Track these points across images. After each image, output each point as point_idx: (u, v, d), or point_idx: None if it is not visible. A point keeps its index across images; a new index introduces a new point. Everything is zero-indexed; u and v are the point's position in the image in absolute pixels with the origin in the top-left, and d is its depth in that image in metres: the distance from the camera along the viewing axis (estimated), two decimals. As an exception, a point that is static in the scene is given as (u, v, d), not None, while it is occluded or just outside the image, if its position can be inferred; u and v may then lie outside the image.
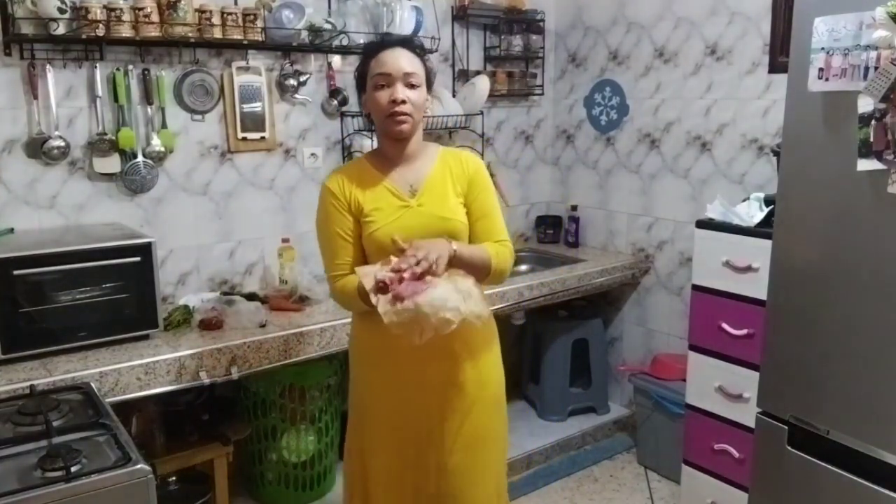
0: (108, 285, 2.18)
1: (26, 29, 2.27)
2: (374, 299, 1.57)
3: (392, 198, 1.81)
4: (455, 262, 1.68)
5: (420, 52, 1.84)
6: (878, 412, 1.70)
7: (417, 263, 1.57)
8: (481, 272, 1.78)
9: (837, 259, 1.76)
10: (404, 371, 1.84)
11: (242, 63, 2.71)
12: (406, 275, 1.54)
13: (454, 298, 1.55)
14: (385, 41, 1.85)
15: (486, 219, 1.87)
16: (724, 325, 2.52)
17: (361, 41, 2.87)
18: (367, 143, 2.98)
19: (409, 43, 1.85)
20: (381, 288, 1.55)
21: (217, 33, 2.52)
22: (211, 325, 2.37)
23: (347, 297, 1.79)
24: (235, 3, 2.64)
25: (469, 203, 1.86)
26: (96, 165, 2.46)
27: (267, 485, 2.75)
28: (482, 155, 3.32)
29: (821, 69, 1.69)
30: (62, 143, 2.38)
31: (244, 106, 2.74)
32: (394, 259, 1.61)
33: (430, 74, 1.83)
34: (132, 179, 2.52)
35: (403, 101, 1.73)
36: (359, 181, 1.82)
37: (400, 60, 1.74)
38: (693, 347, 2.68)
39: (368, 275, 1.61)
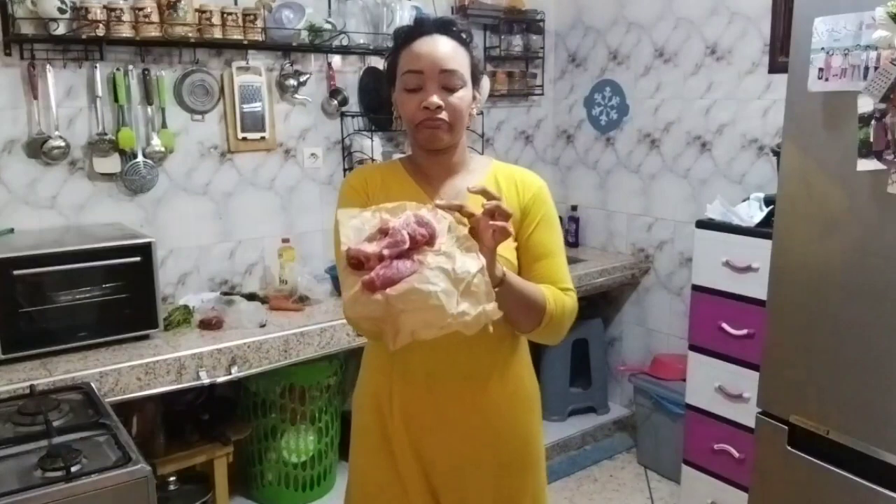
0: (108, 285, 2.18)
1: (26, 29, 2.27)
2: (341, 276, 1.14)
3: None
4: (499, 294, 1.18)
5: (465, 39, 1.40)
6: (878, 412, 1.70)
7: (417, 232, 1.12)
8: (532, 316, 1.33)
9: (837, 259, 1.76)
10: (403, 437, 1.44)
11: (242, 63, 2.71)
12: (386, 251, 1.08)
13: (443, 289, 1.06)
14: (419, 25, 1.40)
15: (546, 260, 1.40)
16: (724, 325, 2.52)
17: (361, 41, 2.87)
18: (367, 144, 2.98)
19: (449, 27, 1.38)
20: (355, 264, 1.11)
21: (217, 33, 2.52)
22: (211, 325, 2.37)
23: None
24: (235, 3, 2.64)
25: (523, 238, 1.40)
26: (96, 165, 2.46)
27: (267, 485, 2.74)
28: (482, 154, 3.31)
29: (821, 69, 1.69)
30: (62, 143, 2.38)
31: (244, 106, 2.73)
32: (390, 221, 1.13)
33: (477, 68, 1.41)
34: (132, 179, 2.52)
35: (439, 108, 1.33)
36: (388, 184, 1.44)
37: (436, 53, 1.33)
38: (693, 347, 2.68)
39: (348, 234, 1.13)
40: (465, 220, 1.18)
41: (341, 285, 1.14)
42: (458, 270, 1.08)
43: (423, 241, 1.09)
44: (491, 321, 1.10)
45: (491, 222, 1.16)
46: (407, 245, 1.08)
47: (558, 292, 1.37)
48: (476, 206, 1.22)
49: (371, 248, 1.09)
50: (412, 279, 1.06)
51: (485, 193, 1.19)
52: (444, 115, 1.34)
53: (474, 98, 1.41)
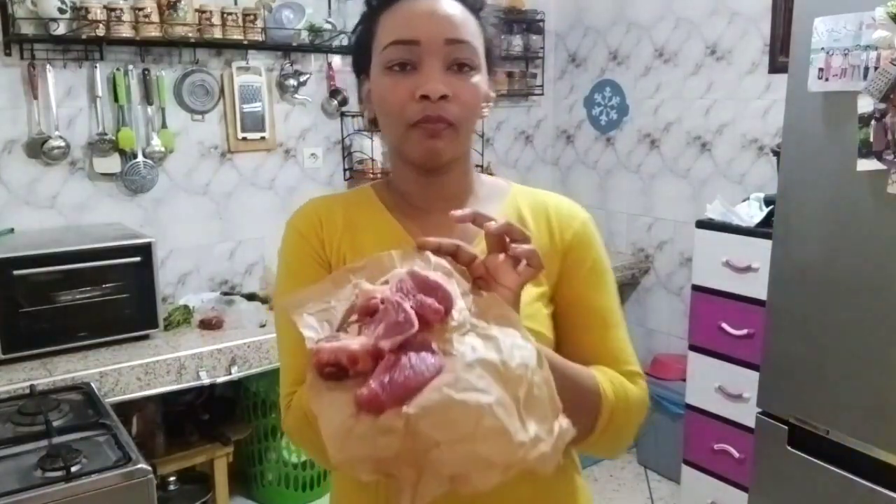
0: (108, 285, 2.18)
1: (26, 29, 2.27)
2: (312, 400, 0.65)
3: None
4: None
5: (476, 3, 0.93)
6: (878, 412, 1.70)
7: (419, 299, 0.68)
8: (580, 417, 0.77)
9: (837, 259, 1.76)
10: None
11: (242, 63, 2.71)
12: (384, 342, 0.64)
13: (498, 398, 0.62)
14: None
15: (598, 332, 0.95)
16: (724, 325, 2.52)
17: (361, 41, 2.87)
18: (367, 144, 2.98)
19: None
20: (331, 373, 0.65)
21: (217, 33, 2.52)
22: (211, 325, 2.37)
23: (310, 434, 0.81)
24: (235, 3, 2.64)
25: (562, 298, 0.95)
26: (96, 165, 2.46)
27: (267, 485, 2.74)
28: (482, 155, 3.32)
29: (821, 69, 1.69)
30: (62, 143, 2.38)
31: (244, 106, 2.73)
32: (368, 291, 0.70)
33: (493, 45, 0.94)
34: (132, 179, 2.52)
35: (444, 97, 0.85)
36: (353, 224, 0.96)
37: (438, 12, 0.87)
38: (693, 347, 2.68)
39: (308, 327, 0.69)
40: (464, 270, 0.76)
41: (313, 409, 0.65)
42: (511, 362, 0.64)
43: (437, 318, 0.67)
44: (557, 454, 0.64)
45: (511, 251, 0.76)
46: (415, 328, 0.65)
47: (619, 377, 0.92)
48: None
49: (357, 341, 0.65)
50: (441, 383, 0.62)
51: (499, 229, 0.76)
52: (449, 109, 0.86)
53: (490, 94, 0.94)
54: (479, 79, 0.90)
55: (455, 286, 0.71)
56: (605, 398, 0.87)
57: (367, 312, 0.68)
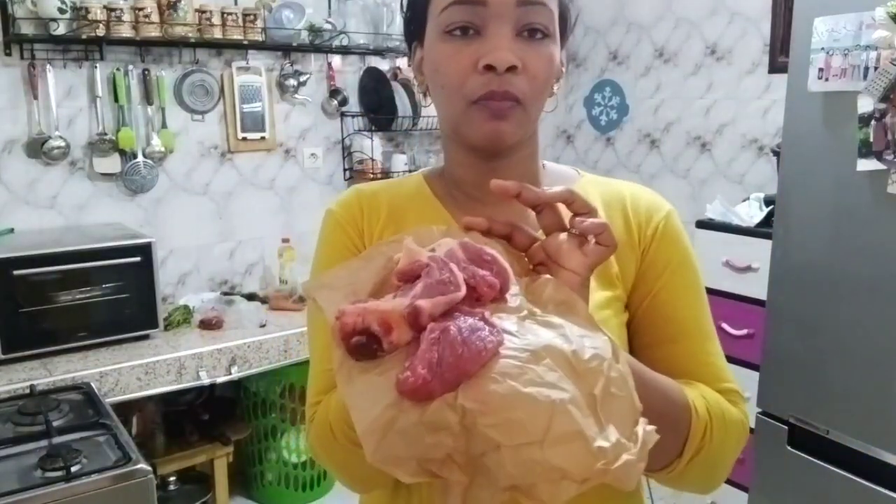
0: (108, 285, 2.18)
1: (26, 29, 2.27)
2: (342, 387, 0.52)
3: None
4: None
5: None
6: (878, 412, 1.70)
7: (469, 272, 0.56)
8: (670, 431, 0.67)
9: (837, 259, 1.76)
10: None
11: (242, 63, 2.71)
12: (425, 303, 0.51)
13: (572, 396, 0.49)
14: None
15: (687, 342, 0.82)
16: (724, 325, 2.52)
17: (361, 41, 2.87)
18: (367, 144, 2.98)
19: None
20: (359, 343, 0.52)
21: (217, 33, 2.52)
22: (211, 325, 2.37)
23: (336, 450, 0.74)
24: (235, 3, 2.64)
25: (641, 303, 0.82)
26: (96, 165, 2.46)
27: (267, 485, 2.74)
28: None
29: (821, 69, 1.69)
30: (62, 143, 2.38)
31: (244, 106, 2.73)
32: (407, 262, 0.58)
33: (567, 9, 0.84)
34: (132, 179, 2.52)
35: (512, 68, 0.72)
36: (401, 214, 0.84)
37: None
38: (693, 347, 2.67)
39: (327, 300, 0.57)
40: (521, 256, 0.65)
41: (344, 397, 0.52)
42: (583, 354, 0.52)
43: (491, 294, 0.55)
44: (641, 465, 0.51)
45: (575, 227, 0.63)
46: (462, 292, 0.53)
47: (715, 394, 0.79)
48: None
49: (389, 302, 0.53)
50: (504, 371, 0.49)
51: (560, 198, 0.64)
52: (518, 84, 0.73)
53: (562, 64, 0.80)
54: (554, 48, 0.77)
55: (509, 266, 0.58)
56: (696, 415, 0.71)
57: (410, 278, 0.53)
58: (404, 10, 0.83)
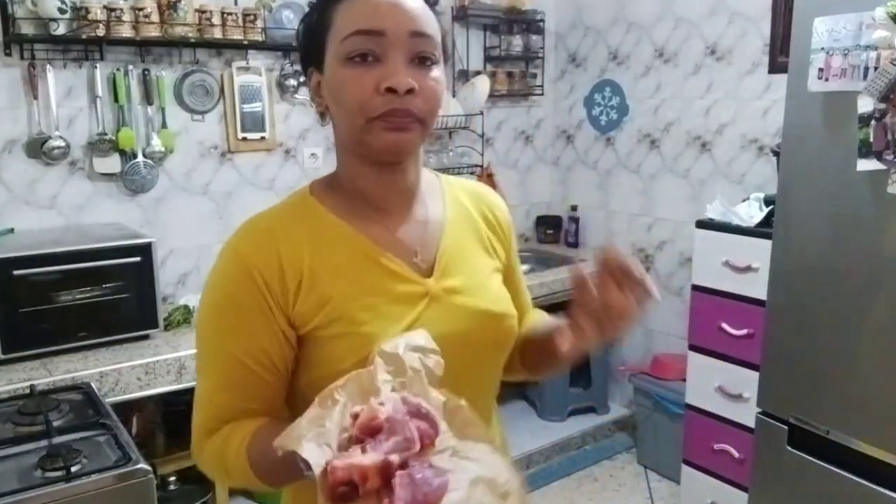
0: (108, 285, 2.18)
1: (26, 29, 2.27)
2: None
3: (388, 280, 0.90)
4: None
5: None
6: (878, 412, 1.70)
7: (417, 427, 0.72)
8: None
9: (837, 259, 1.76)
10: None
11: (242, 63, 2.71)
12: (394, 456, 0.69)
13: None
14: None
15: (524, 292, 1.12)
16: (724, 325, 2.52)
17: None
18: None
19: None
20: (343, 492, 0.67)
21: (217, 33, 2.52)
22: (211, 325, 2.37)
23: (234, 470, 0.87)
24: (235, 3, 2.64)
25: (506, 272, 1.05)
26: (96, 165, 2.46)
27: (267, 485, 2.74)
28: (482, 156, 3.32)
29: (821, 69, 1.70)
30: (62, 143, 2.38)
31: (244, 106, 2.73)
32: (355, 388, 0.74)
33: (446, 38, 0.93)
34: (132, 179, 2.52)
35: (410, 90, 0.84)
36: (311, 244, 0.89)
37: (400, 5, 0.86)
38: (693, 347, 2.68)
39: (312, 454, 0.68)
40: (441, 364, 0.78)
41: None
42: (500, 480, 0.72)
43: (429, 443, 0.71)
44: None
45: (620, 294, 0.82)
46: (418, 447, 0.69)
47: (546, 315, 1.11)
48: (460, 248, 0.95)
49: (367, 458, 0.67)
50: (456, 501, 0.68)
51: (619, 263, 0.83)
52: (415, 104, 0.84)
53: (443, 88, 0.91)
54: (440, 72, 0.88)
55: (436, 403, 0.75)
56: None
57: (371, 432, 0.69)
58: (300, 38, 0.93)
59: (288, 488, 0.97)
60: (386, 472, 0.67)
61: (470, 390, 0.80)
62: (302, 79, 2.83)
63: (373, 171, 0.91)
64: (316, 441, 0.69)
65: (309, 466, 0.67)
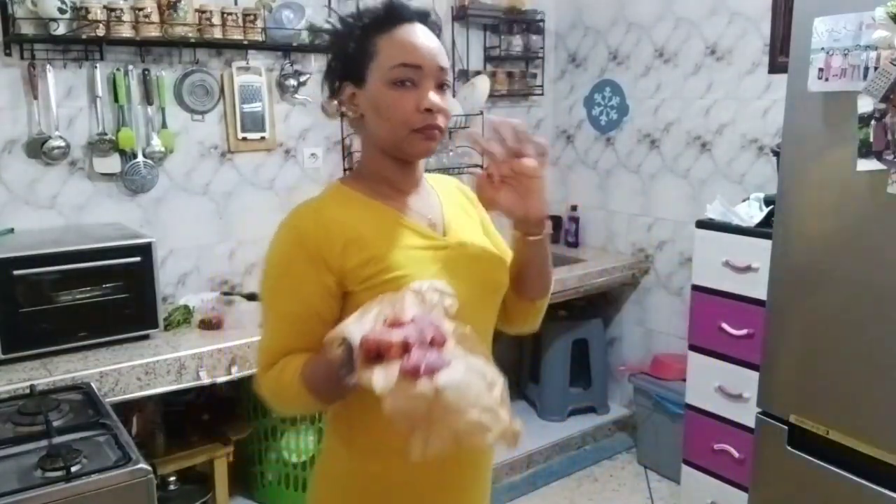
0: (108, 285, 2.18)
1: (26, 29, 2.27)
2: (362, 375, 0.92)
3: (415, 237, 1.17)
4: (540, 242, 1.19)
5: (440, 34, 1.20)
6: (878, 412, 1.70)
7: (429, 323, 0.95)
8: (549, 278, 1.28)
9: (837, 259, 1.76)
10: None
11: (242, 63, 2.71)
12: (412, 339, 0.91)
13: (485, 394, 0.94)
14: (399, 9, 1.16)
15: (502, 241, 1.34)
16: (724, 325, 2.52)
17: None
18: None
19: (428, 18, 1.19)
20: (372, 356, 0.92)
21: (217, 33, 2.52)
22: (211, 325, 2.37)
23: (288, 390, 1.10)
24: (235, 3, 2.64)
25: (485, 229, 1.33)
26: (96, 165, 2.46)
27: (267, 485, 2.74)
28: (482, 156, 3.31)
29: (821, 69, 1.70)
30: (62, 143, 2.38)
31: (244, 106, 2.73)
32: (389, 308, 0.97)
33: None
34: (132, 179, 2.52)
35: (440, 110, 1.13)
36: (353, 218, 1.15)
37: (431, 45, 1.14)
38: (693, 347, 2.68)
39: (353, 332, 0.94)
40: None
41: (362, 379, 0.92)
42: (490, 375, 0.95)
43: (440, 343, 0.93)
44: (519, 435, 0.96)
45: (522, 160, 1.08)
46: (428, 340, 0.91)
47: None
48: (457, 216, 1.25)
49: (393, 334, 0.91)
50: (458, 371, 0.90)
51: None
52: (440, 119, 1.13)
53: None
54: (450, 94, 1.20)
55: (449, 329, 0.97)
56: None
57: (396, 325, 0.93)
58: (337, 57, 1.18)
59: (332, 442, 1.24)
60: (405, 349, 0.89)
61: (476, 330, 1.03)
62: (302, 79, 2.84)
63: (397, 165, 1.19)
64: (355, 326, 0.94)
65: (350, 353, 0.93)
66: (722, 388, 2.57)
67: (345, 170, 3.04)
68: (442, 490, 1.20)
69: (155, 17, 2.39)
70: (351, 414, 1.17)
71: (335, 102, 1.21)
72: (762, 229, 2.37)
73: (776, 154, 2.42)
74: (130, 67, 2.47)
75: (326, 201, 1.20)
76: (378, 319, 0.95)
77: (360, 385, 0.92)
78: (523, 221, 1.15)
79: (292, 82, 2.83)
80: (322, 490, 1.27)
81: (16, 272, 2.03)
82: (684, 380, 2.77)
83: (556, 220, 3.74)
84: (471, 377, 0.91)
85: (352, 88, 1.16)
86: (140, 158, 2.52)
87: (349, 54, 1.15)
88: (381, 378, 0.89)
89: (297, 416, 1.26)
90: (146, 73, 2.50)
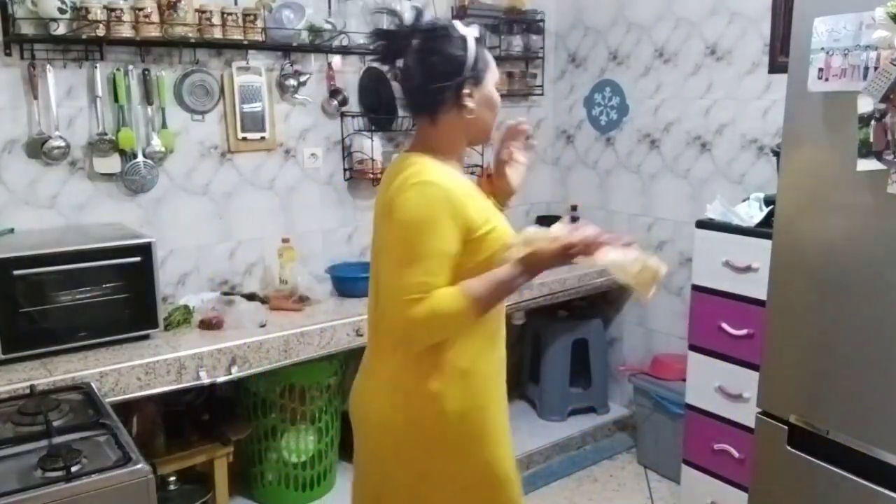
0: (108, 285, 2.18)
1: (26, 29, 2.27)
2: (583, 259, 1.43)
3: (487, 199, 1.61)
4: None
5: None
6: (878, 412, 1.70)
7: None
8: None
9: (837, 259, 1.76)
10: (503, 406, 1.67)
11: (242, 63, 2.71)
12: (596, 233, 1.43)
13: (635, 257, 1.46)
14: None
15: None
16: (724, 325, 2.52)
17: (361, 41, 2.87)
18: (367, 144, 2.98)
19: None
20: (569, 250, 1.42)
21: (217, 33, 2.52)
22: (211, 325, 2.37)
23: (449, 309, 1.40)
24: (235, 3, 2.64)
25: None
26: (96, 165, 2.46)
27: (267, 485, 2.75)
28: (482, 156, 3.32)
29: (821, 69, 1.69)
30: (62, 143, 2.38)
31: (244, 106, 2.73)
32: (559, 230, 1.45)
33: None
34: (132, 179, 2.52)
35: None
36: (459, 181, 1.52)
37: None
38: (693, 347, 2.68)
39: (540, 240, 1.43)
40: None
41: (604, 251, 1.44)
42: (629, 254, 1.46)
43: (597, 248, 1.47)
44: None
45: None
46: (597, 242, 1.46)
47: None
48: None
49: (591, 231, 1.45)
50: (614, 254, 1.44)
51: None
52: None
53: None
54: None
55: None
56: None
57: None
58: (473, 59, 1.51)
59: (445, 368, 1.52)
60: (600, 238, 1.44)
61: None
62: (302, 79, 2.84)
63: (465, 150, 1.65)
64: (537, 237, 1.46)
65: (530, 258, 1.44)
66: (722, 388, 2.57)
67: (345, 170, 3.04)
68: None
69: (155, 17, 2.39)
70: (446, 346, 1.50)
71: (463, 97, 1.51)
72: (762, 229, 2.37)
73: (776, 154, 2.42)
74: (130, 67, 2.47)
75: (441, 168, 1.49)
76: (547, 236, 1.45)
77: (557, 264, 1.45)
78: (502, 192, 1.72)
79: (292, 82, 2.83)
80: (410, 441, 1.54)
81: (16, 272, 2.03)
82: (684, 380, 2.77)
83: (557, 220, 3.73)
84: (631, 258, 1.43)
85: (471, 86, 1.51)
86: (140, 158, 2.52)
87: (478, 61, 1.52)
88: (612, 253, 1.41)
89: (434, 341, 1.46)
90: (146, 73, 2.50)
